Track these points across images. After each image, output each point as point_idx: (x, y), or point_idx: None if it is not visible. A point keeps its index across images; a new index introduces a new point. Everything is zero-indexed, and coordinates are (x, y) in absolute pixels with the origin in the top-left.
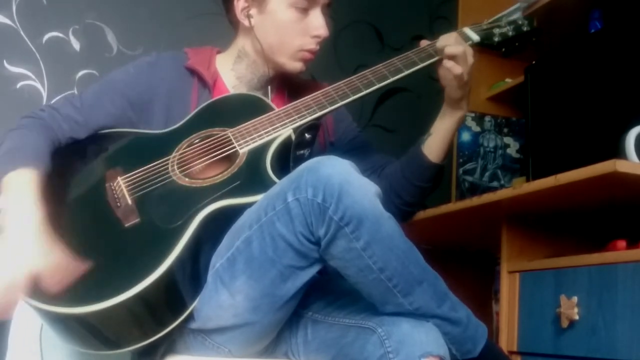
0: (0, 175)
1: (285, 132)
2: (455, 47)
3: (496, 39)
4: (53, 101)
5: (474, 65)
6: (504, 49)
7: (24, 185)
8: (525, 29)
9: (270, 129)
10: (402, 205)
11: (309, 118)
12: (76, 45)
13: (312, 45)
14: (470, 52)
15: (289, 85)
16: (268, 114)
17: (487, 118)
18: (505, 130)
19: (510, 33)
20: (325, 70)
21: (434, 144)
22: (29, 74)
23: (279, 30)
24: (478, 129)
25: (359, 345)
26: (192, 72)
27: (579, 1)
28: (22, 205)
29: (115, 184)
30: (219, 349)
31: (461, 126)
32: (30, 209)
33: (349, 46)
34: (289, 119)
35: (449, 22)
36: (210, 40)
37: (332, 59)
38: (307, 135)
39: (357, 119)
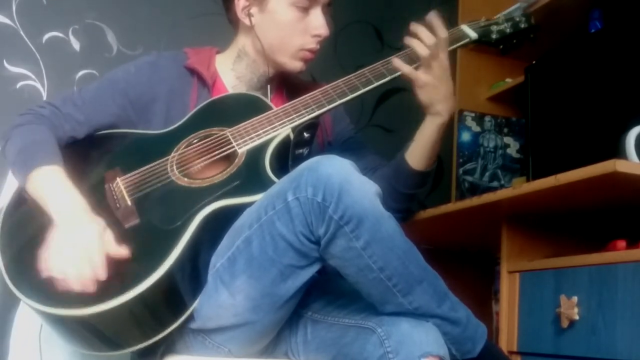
0: (24, 172)
1: (284, 131)
2: (407, 67)
3: (494, 37)
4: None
5: (445, 69)
6: (501, 47)
7: (61, 183)
8: (523, 26)
9: (268, 128)
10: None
11: (308, 117)
12: (76, 45)
13: (313, 44)
14: (435, 55)
15: (288, 85)
16: (267, 114)
17: (487, 118)
18: (505, 130)
19: (508, 30)
20: (325, 70)
21: (415, 151)
22: (29, 74)
23: (280, 30)
24: (478, 129)
25: (358, 345)
26: (192, 72)
27: (579, 1)
28: (66, 197)
29: (114, 185)
30: (219, 348)
31: (461, 127)
32: (75, 199)
33: (349, 46)
34: (288, 118)
35: (449, 22)
36: (210, 40)
37: (332, 59)
38: (305, 135)
39: (356, 119)
